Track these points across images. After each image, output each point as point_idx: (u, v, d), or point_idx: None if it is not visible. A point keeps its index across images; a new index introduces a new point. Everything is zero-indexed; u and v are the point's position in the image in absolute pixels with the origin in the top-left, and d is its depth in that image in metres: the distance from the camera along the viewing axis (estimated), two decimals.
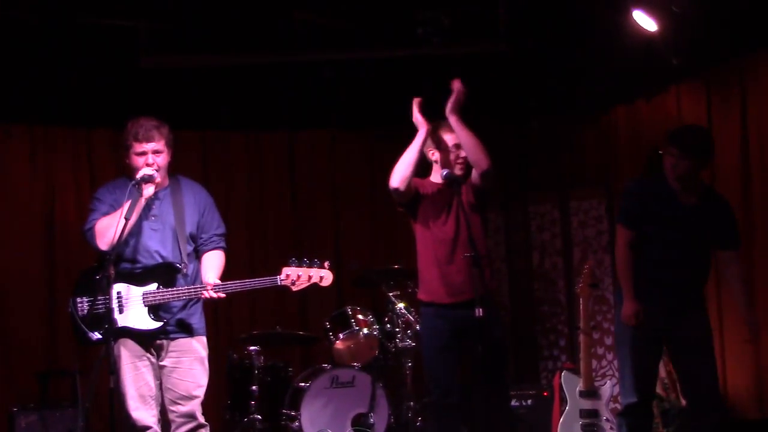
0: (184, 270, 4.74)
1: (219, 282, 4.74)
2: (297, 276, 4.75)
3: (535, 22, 7.11)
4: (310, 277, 4.78)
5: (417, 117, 5.53)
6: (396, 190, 5.37)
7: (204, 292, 4.68)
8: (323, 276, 4.81)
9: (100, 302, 4.62)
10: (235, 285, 4.75)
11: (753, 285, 6.87)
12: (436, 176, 5.58)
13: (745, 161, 6.99)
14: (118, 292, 4.71)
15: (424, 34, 6.84)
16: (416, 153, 5.42)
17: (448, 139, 5.52)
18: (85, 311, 4.67)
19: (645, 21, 6.69)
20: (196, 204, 4.90)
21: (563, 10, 6.96)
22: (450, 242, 5.41)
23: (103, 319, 4.58)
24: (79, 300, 4.70)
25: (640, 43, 6.90)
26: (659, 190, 5.20)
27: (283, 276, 4.77)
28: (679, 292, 5.10)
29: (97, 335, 4.66)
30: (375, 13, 6.97)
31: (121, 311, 4.69)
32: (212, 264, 4.86)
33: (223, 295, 4.71)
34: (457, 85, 5.49)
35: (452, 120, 5.45)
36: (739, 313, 6.88)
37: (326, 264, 4.83)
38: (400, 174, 5.36)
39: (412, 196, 5.46)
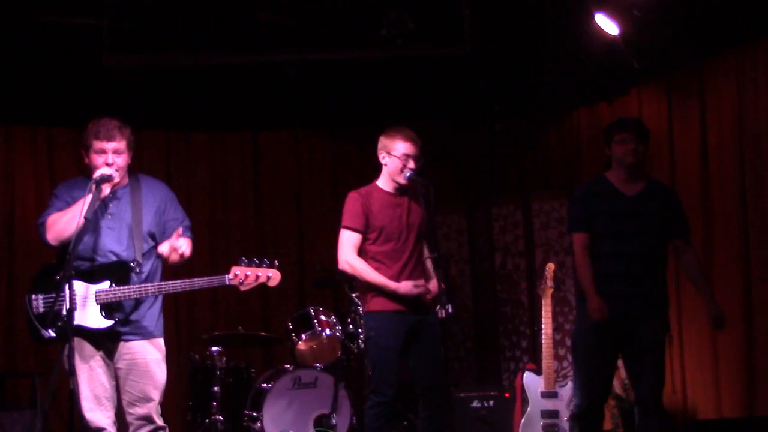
0: (137, 269, 4.70)
1: (175, 244, 4.66)
2: (245, 275, 4.69)
3: (499, 24, 7.14)
4: (257, 277, 4.70)
5: (410, 288, 5.31)
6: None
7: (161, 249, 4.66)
8: (270, 276, 4.71)
9: (58, 299, 4.54)
10: (184, 284, 4.69)
11: (711, 284, 6.95)
12: (385, 181, 5.49)
13: (704, 163, 7.08)
14: (74, 290, 4.61)
15: (388, 35, 6.84)
16: (372, 282, 5.37)
17: (400, 147, 5.41)
18: (41, 309, 4.62)
19: (607, 24, 6.74)
20: (155, 201, 4.85)
21: (526, 13, 7.00)
22: (407, 255, 5.39)
23: (58, 316, 4.54)
24: (34, 297, 4.66)
25: (603, 46, 6.95)
26: (601, 189, 5.29)
27: (231, 275, 4.71)
28: (636, 286, 5.12)
29: (50, 333, 4.59)
30: (339, 15, 6.97)
31: (75, 308, 4.60)
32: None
33: (175, 256, 4.66)
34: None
35: None
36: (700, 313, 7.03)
37: (275, 263, 4.76)
38: (351, 274, 5.44)
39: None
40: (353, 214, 5.39)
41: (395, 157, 5.39)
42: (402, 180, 5.39)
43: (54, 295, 4.55)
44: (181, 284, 4.68)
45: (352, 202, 5.42)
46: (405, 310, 5.35)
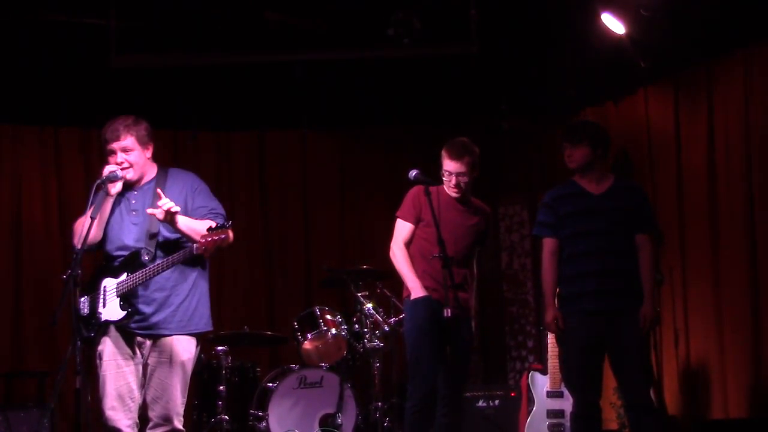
0: (146, 255, 4.71)
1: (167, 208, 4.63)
2: (206, 240, 4.63)
3: (507, 24, 7.14)
4: (214, 240, 4.61)
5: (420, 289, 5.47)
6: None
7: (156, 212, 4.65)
8: (223, 237, 4.58)
9: (91, 300, 4.74)
10: (165, 262, 4.67)
11: (719, 283, 6.95)
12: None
13: (711, 163, 7.06)
14: (105, 287, 4.76)
15: (395, 35, 6.85)
16: (399, 271, 5.59)
17: (445, 165, 5.57)
18: (85, 311, 4.74)
19: (614, 24, 6.74)
20: (180, 193, 4.82)
21: (534, 13, 7.00)
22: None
23: (86, 318, 4.71)
24: (82, 300, 4.76)
25: (609, 45, 6.95)
26: (568, 191, 5.34)
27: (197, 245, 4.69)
28: (612, 281, 5.13)
29: (90, 333, 4.73)
30: (346, 14, 6.98)
31: (104, 305, 4.73)
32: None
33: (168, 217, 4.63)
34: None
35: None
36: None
37: (229, 223, 4.69)
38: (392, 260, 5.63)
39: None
40: (406, 205, 5.62)
41: (443, 171, 5.58)
42: (451, 193, 5.58)
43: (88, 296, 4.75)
44: (160, 264, 4.68)
45: (409, 195, 5.61)
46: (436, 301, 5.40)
